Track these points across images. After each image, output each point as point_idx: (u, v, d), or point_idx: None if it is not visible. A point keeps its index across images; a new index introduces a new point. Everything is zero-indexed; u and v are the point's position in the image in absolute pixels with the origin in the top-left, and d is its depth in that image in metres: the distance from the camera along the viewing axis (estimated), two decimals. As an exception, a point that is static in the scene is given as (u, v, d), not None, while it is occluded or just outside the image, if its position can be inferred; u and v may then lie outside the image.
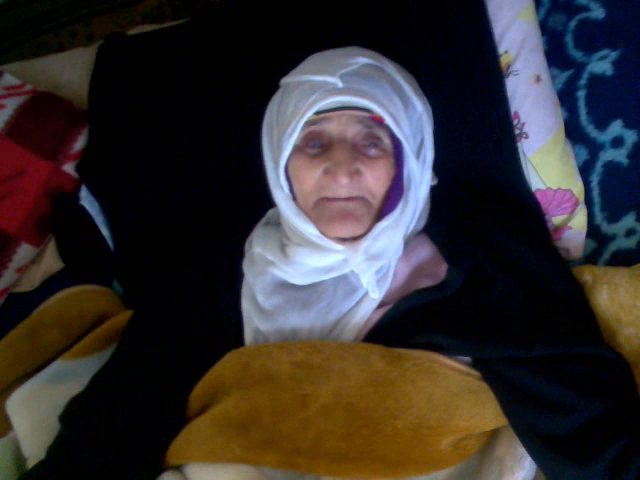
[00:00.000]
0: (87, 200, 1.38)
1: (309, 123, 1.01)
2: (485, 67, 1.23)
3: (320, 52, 1.09)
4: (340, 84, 0.99)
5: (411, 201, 1.05)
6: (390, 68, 1.05)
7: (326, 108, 1.00)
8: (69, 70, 1.49)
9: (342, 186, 0.99)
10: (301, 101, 1.01)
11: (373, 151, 1.02)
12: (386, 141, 1.02)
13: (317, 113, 1.00)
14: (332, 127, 1.01)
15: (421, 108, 1.06)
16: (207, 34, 1.39)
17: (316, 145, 1.02)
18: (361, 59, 1.03)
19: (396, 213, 1.03)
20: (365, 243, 1.01)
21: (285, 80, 1.08)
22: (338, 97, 0.99)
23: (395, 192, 1.03)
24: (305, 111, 0.99)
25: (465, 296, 1.02)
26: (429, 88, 1.12)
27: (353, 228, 1.02)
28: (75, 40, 1.71)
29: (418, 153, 1.06)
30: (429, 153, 1.08)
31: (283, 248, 1.07)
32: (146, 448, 1.00)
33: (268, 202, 1.11)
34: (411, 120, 1.04)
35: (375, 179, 1.01)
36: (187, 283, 1.14)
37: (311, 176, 1.01)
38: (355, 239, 1.02)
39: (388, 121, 1.00)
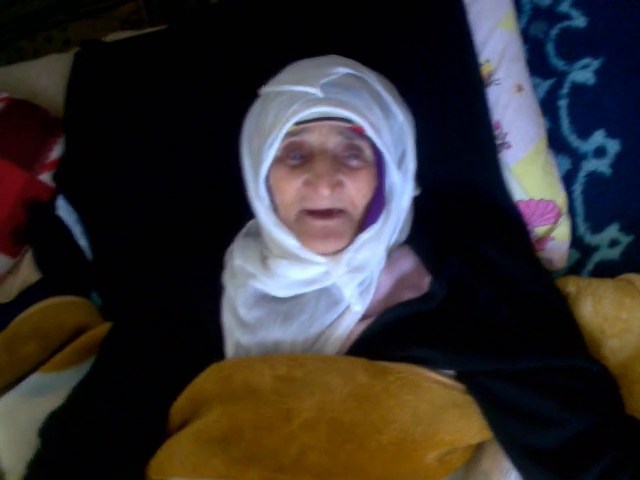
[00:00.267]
0: (64, 210, 1.37)
1: (289, 134, 1.00)
2: (466, 76, 1.23)
3: (299, 61, 1.08)
4: (321, 94, 0.98)
5: (393, 212, 1.04)
6: (371, 78, 1.04)
7: (307, 119, 0.99)
8: (45, 77, 1.48)
9: (323, 198, 0.99)
10: (281, 111, 1.00)
11: (354, 162, 1.01)
12: (367, 152, 1.02)
13: (297, 124, 0.99)
14: (313, 138, 1.00)
15: (402, 118, 1.05)
16: (185, 41, 1.38)
17: (297, 156, 1.01)
18: (341, 69, 1.02)
19: (378, 225, 1.02)
20: (347, 255, 1.01)
21: (264, 90, 1.07)
22: (319, 108, 0.98)
23: (377, 203, 1.02)
24: (285, 122, 0.98)
25: (448, 308, 1.01)
26: (410, 98, 1.11)
27: (335, 245, 1.01)
28: (51, 45, 1.69)
29: (400, 163, 1.05)
30: (411, 163, 1.07)
31: (264, 260, 1.06)
32: (127, 463, 0.99)
33: (248, 212, 1.10)
34: (392, 130, 1.03)
35: (357, 190, 1.00)
36: (167, 295, 1.13)
37: (291, 187, 1.00)
38: (337, 251, 1.02)
39: (369, 132, 0.99)
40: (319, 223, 1.00)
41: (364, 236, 1.01)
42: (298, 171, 1.00)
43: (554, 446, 0.89)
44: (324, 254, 1.01)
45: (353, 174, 1.00)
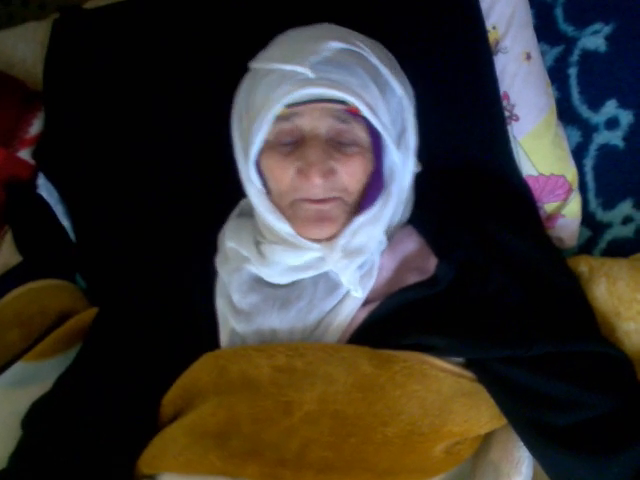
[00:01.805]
0: (45, 188, 1.34)
1: (280, 118, 0.96)
2: (472, 44, 1.20)
3: (290, 31, 1.03)
4: (311, 74, 0.94)
5: (394, 193, 1.01)
6: (365, 50, 0.99)
7: (297, 101, 0.95)
8: (22, 47, 1.43)
9: (316, 186, 0.95)
10: (270, 92, 0.96)
11: (348, 147, 0.98)
12: (362, 134, 0.98)
13: (288, 106, 0.95)
14: (304, 122, 0.97)
15: (400, 91, 1.01)
16: (172, 6, 1.33)
17: (288, 142, 0.98)
18: (334, 44, 0.97)
19: (375, 208, 0.99)
20: (342, 240, 0.98)
21: (253, 64, 1.02)
22: (309, 89, 0.94)
23: (375, 186, 0.99)
24: (274, 104, 0.95)
25: (456, 292, 0.98)
26: (413, 68, 1.07)
27: (330, 230, 0.98)
28: (27, 10, 1.64)
29: (399, 140, 1.02)
30: (412, 138, 1.03)
31: (258, 246, 1.03)
32: (115, 456, 0.97)
33: (242, 190, 1.07)
34: (390, 106, 1.00)
35: (350, 176, 0.97)
36: (156, 279, 1.12)
37: (285, 175, 0.97)
38: (331, 237, 0.99)
39: (364, 112, 0.95)
40: (313, 207, 0.97)
41: (360, 219, 0.98)
42: (290, 158, 0.97)
43: (576, 423, 0.88)
44: (318, 240, 0.99)
45: (346, 160, 0.97)
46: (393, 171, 1.01)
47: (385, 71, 1.00)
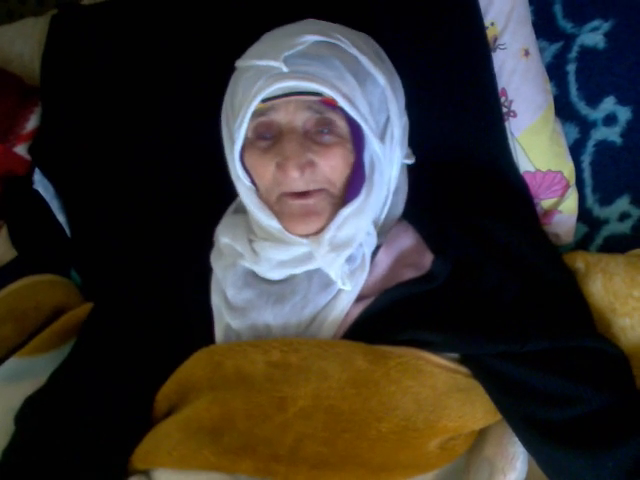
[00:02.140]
0: (41, 184, 1.33)
1: (257, 113, 0.96)
2: (471, 40, 1.19)
3: (274, 30, 1.03)
4: (285, 68, 0.93)
5: (377, 184, 1.00)
6: (344, 42, 0.99)
7: (273, 95, 0.95)
8: (20, 42, 1.42)
9: (294, 180, 0.95)
10: (247, 89, 0.96)
11: (326, 138, 0.96)
12: (341, 124, 0.97)
13: (264, 101, 0.95)
14: (280, 116, 0.96)
15: (384, 81, 1.00)
16: (168, 4, 1.32)
17: (267, 137, 0.97)
18: (309, 37, 0.97)
19: (360, 199, 0.98)
20: (328, 234, 0.97)
21: (238, 63, 1.03)
22: (283, 83, 0.93)
23: (358, 177, 0.98)
24: (251, 100, 0.94)
25: (452, 288, 0.98)
26: (411, 64, 1.08)
27: (316, 224, 0.97)
28: (25, 7, 1.63)
29: (384, 131, 1.01)
30: (397, 129, 1.02)
31: (250, 243, 1.03)
32: (109, 451, 0.97)
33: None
34: (371, 97, 0.99)
35: (331, 167, 0.96)
36: (151, 275, 1.12)
37: (267, 171, 0.97)
38: (318, 231, 0.98)
39: (341, 102, 0.94)
40: (297, 202, 0.97)
41: (346, 211, 0.97)
42: (269, 154, 0.96)
43: (571, 419, 0.88)
44: (305, 236, 0.98)
45: (325, 152, 0.96)
46: (374, 162, 1.00)
47: (366, 62, 0.99)
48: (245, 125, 0.96)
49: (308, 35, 0.96)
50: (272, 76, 0.93)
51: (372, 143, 0.98)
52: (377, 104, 0.99)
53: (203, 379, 0.97)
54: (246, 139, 0.98)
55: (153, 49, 1.30)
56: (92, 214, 1.32)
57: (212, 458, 0.90)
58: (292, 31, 0.99)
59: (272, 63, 0.94)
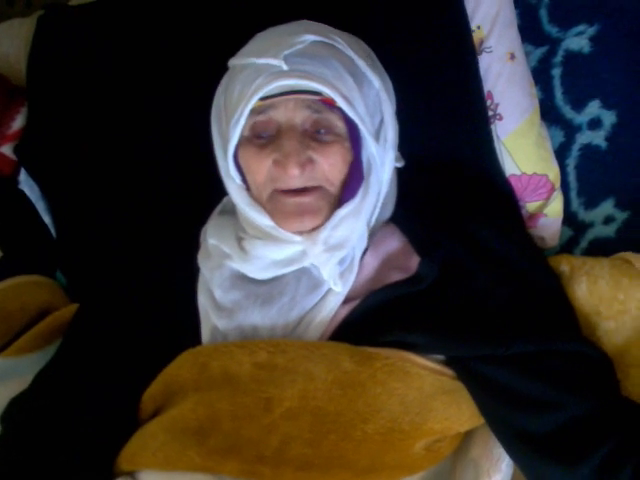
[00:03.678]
0: (27, 184, 1.33)
1: (255, 112, 0.96)
2: (457, 43, 1.19)
3: (269, 29, 1.04)
4: (284, 66, 0.94)
5: (373, 185, 1.00)
6: (341, 43, 0.99)
7: (272, 93, 0.95)
8: (6, 42, 1.41)
9: (293, 177, 0.95)
10: (245, 87, 0.96)
11: (325, 137, 0.97)
12: (339, 124, 0.97)
13: (263, 99, 0.95)
14: (279, 114, 0.96)
15: (378, 84, 1.01)
16: (156, 6, 1.32)
17: (264, 136, 0.97)
18: (307, 36, 0.97)
19: (357, 200, 0.98)
20: (324, 233, 0.97)
21: (232, 62, 1.02)
22: (283, 81, 0.93)
23: (354, 177, 0.98)
24: (250, 98, 0.94)
25: (438, 290, 0.98)
26: (398, 67, 1.08)
27: (311, 223, 0.97)
28: (12, 9, 1.62)
29: (378, 133, 1.01)
30: (390, 132, 1.03)
31: (240, 242, 1.03)
32: (94, 452, 0.97)
33: (224, 189, 1.06)
34: (367, 98, 0.99)
35: (330, 166, 0.96)
36: (137, 275, 1.11)
37: (262, 167, 0.97)
38: (313, 229, 0.98)
39: (340, 102, 0.95)
40: (293, 200, 0.97)
41: (342, 212, 0.97)
42: (266, 151, 0.96)
43: (549, 430, 0.88)
44: (300, 232, 0.98)
45: (324, 150, 0.96)
46: (371, 163, 1.00)
47: (362, 64, 0.99)
48: (242, 122, 0.96)
49: (307, 35, 0.97)
50: (271, 74, 0.93)
51: (369, 144, 0.98)
52: (372, 106, 1.00)
53: (189, 380, 0.96)
54: (241, 137, 0.98)
55: (141, 50, 1.30)
56: (78, 215, 1.31)
57: (197, 459, 0.90)
58: (289, 30, 1.00)
59: (271, 61, 0.94)
